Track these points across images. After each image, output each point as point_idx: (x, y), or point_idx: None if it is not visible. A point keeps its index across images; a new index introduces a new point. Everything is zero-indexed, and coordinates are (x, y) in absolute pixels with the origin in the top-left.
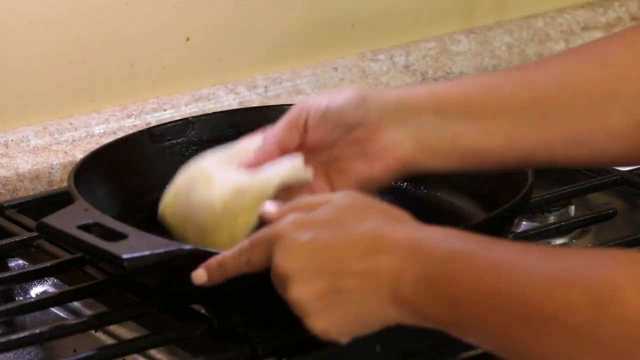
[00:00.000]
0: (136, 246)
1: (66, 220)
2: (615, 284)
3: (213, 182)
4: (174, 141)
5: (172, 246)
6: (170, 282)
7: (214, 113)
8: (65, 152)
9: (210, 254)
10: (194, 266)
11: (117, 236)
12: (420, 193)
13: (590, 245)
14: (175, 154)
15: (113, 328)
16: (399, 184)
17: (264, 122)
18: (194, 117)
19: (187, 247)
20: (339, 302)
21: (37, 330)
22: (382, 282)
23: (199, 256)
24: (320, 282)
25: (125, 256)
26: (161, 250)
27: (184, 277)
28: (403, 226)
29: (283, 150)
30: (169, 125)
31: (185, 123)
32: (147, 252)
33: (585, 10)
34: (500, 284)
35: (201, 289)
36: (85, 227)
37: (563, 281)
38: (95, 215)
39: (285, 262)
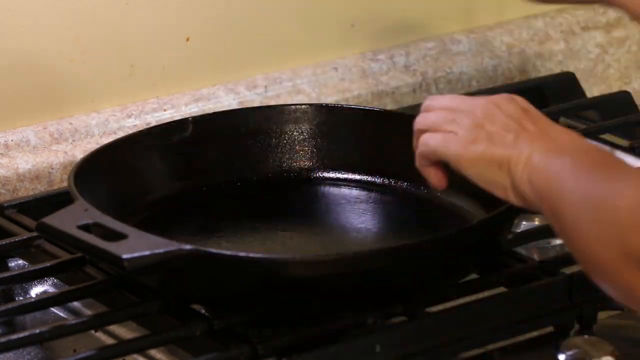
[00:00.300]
0: (136, 246)
1: (66, 220)
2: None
3: None
4: (174, 141)
5: (172, 246)
6: (170, 282)
7: (214, 113)
8: (65, 152)
9: (210, 254)
10: (194, 266)
11: (117, 236)
12: (420, 193)
13: None
14: (175, 154)
15: (113, 328)
16: (399, 183)
17: (264, 122)
18: (194, 117)
19: (187, 247)
20: (488, 141)
21: (37, 330)
22: (522, 159)
23: (199, 256)
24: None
25: (125, 256)
26: (161, 250)
27: (184, 277)
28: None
29: None
30: (169, 125)
31: (185, 123)
32: (147, 252)
33: (585, 10)
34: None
35: (201, 289)
36: (85, 227)
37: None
38: (95, 215)
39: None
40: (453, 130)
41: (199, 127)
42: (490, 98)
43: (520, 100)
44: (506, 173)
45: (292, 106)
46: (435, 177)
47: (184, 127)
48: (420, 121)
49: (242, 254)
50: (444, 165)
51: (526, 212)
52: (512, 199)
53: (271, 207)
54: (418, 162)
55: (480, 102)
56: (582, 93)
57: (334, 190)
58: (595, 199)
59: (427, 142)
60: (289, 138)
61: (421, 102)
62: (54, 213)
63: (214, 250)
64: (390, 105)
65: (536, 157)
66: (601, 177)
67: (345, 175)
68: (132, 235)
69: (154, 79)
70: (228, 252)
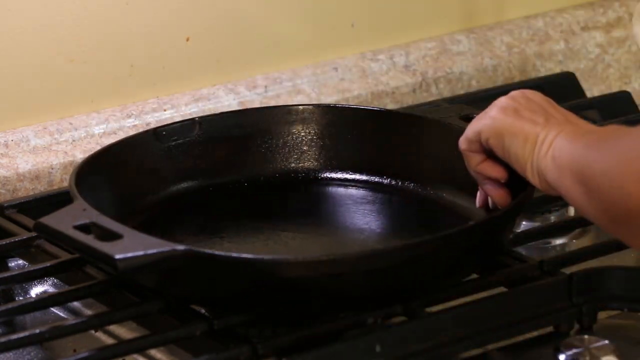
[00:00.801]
0: (130, 246)
1: (63, 220)
2: None
3: None
4: (180, 141)
5: (166, 246)
6: (166, 282)
7: (221, 113)
8: (65, 152)
9: (203, 255)
10: (189, 267)
11: (114, 236)
12: (426, 193)
13: (590, 245)
14: (180, 154)
15: (113, 328)
16: (405, 184)
17: (271, 122)
18: (200, 117)
19: (181, 247)
20: (518, 116)
21: (37, 330)
22: (549, 139)
23: (193, 256)
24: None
25: (118, 256)
26: (154, 251)
27: (180, 278)
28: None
29: None
30: (175, 125)
31: (192, 123)
32: (140, 253)
33: (585, 10)
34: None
35: (197, 289)
36: (82, 227)
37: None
38: (93, 215)
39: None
40: (487, 111)
41: (205, 127)
42: (517, 90)
43: (542, 95)
44: (530, 149)
45: (300, 106)
46: (493, 170)
47: (190, 127)
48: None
49: (234, 254)
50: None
51: (526, 212)
52: (529, 175)
53: (274, 208)
54: (468, 164)
55: (509, 93)
56: (582, 93)
57: (339, 190)
58: (623, 155)
59: (467, 128)
60: (295, 138)
61: (421, 102)
62: (52, 213)
63: (207, 251)
64: (390, 105)
65: (562, 138)
66: (626, 139)
67: (351, 176)
68: (128, 236)
69: (154, 79)
70: (221, 253)
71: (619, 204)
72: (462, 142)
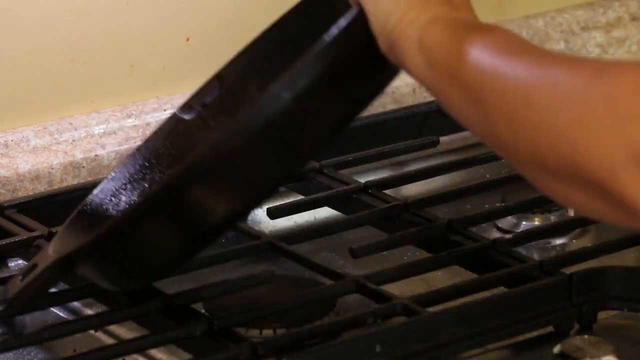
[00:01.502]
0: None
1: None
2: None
3: None
4: (208, 101)
5: (40, 269)
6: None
7: (240, 52)
8: (65, 152)
9: (68, 258)
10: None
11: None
12: None
13: (590, 245)
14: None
15: (113, 328)
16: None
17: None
18: (221, 69)
19: (52, 259)
20: None
21: (37, 330)
22: (424, 17)
23: (61, 264)
24: None
25: (7, 298)
26: (32, 278)
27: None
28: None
29: None
30: (196, 93)
31: (214, 80)
32: (19, 289)
33: (585, 10)
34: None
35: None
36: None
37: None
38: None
39: None
40: None
41: (229, 75)
42: None
43: None
44: (395, 21)
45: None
46: None
47: (214, 85)
48: None
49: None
50: None
51: (526, 211)
52: (383, 42)
53: None
54: None
55: None
56: None
57: None
58: (580, 102)
59: None
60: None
61: (421, 102)
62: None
63: (69, 252)
64: (390, 105)
65: (441, 25)
66: (552, 63)
67: None
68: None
69: (154, 79)
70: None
71: (558, 152)
72: None
